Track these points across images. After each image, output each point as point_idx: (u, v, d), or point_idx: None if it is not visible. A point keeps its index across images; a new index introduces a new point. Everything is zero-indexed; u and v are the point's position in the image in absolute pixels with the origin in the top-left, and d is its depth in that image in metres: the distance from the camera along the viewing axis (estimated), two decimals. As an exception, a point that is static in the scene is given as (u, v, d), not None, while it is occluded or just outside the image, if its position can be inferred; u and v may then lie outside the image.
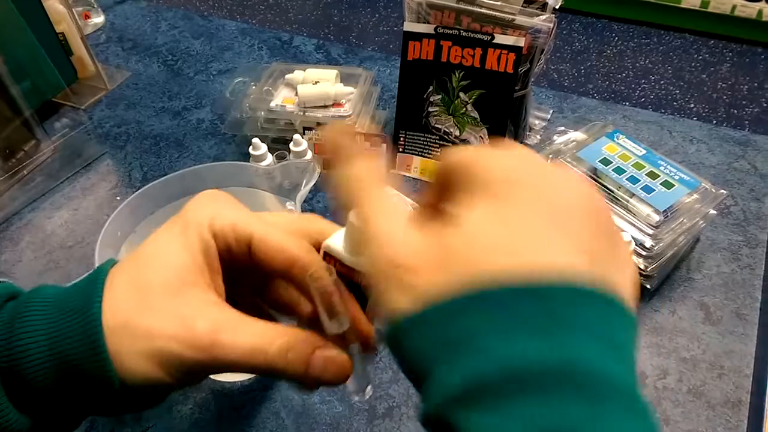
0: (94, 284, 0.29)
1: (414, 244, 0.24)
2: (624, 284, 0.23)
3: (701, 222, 0.64)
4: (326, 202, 0.75)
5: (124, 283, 0.29)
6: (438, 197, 0.27)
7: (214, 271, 0.31)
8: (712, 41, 2.42)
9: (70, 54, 0.91)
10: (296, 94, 0.80)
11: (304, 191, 0.58)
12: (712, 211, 0.65)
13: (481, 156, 0.25)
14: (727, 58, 2.34)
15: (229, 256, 0.32)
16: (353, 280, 0.31)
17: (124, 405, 0.29)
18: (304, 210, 0.69)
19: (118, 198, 0.78)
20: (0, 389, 0.28)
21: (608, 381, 0.20)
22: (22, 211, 0.77)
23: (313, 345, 0.29)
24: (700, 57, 2.35)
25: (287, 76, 0.84)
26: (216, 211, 0.31)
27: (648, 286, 0.64)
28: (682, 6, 2.37)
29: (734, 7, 2.29)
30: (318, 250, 0.33)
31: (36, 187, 0.80)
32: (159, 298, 0.29)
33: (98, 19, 1.08)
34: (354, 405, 0.57)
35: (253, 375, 0.59)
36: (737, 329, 0.62)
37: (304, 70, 0.83)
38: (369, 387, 0.31)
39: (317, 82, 0.80)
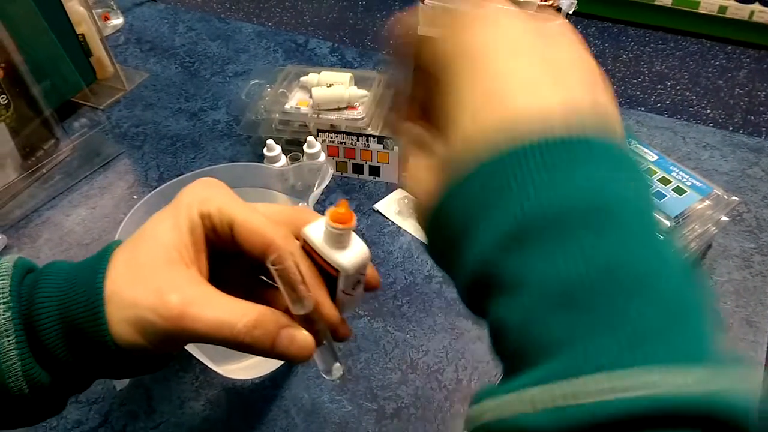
0: (100, 259, 0.33)
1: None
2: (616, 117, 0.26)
3: (713, 228, 0.64)
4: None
5: (123, 258, 0.33)
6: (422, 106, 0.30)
7: (199, 250, 0.34)
8: (730, 47, 2.40)
9: (89, 55, 0.92)
10: (311, 97, 0.81)
11: (316, 192, 0.59)
12: (724, 218, 0.65)
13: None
14: (745, 64, 2.32)
15: (215, 237, 0.34)
16: (325, 268, 0.33)
17: (124, 367, 0.33)
18: (316, 211, 0.70)
19: (135, 197, 0.79)
20: (26, 347, 0.31)
21: (640, 214, 0.23)
22: (40, 209, 0.78)
23: (279, 324, 0.32)
24: (717, 63, 2.34)
25: (302, 79, 0.85)
26: (206, 195, 0.34)
27: (658, 292, 0.64)
28: (700, 11, 2.35)
29: (752, 13, 2.27)
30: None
31: (54, 186, 0.81)
32: (145, 271, 0.32)
33: (117, 21, 1.10)
34: (363, 405, 0.57)
35: (265, 373, 0.59)
36: (747, 336, 0.61)
37: (319, 73, 0.84)
38: (337, 366, 0.34)
39: (331, 85, 0.81)
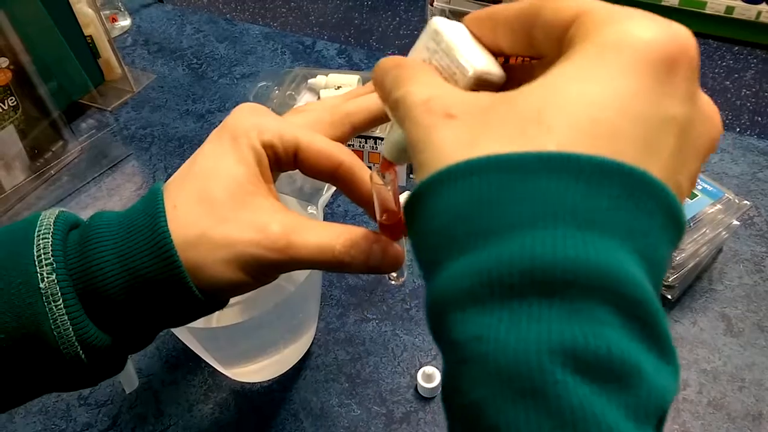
0: (154, 202, 0.31)
1: (467, 96, 0.22)
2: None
3: (724, 233, 0.64)
4: (347, 206, 0.75)
5: (188, 198, 0.31)
6: (525, 47, 0.24)
7: (268, 179, 0.33)
8: (737, 47, 2.39)
9: (97, 56, 0.92)
10: (318, 99, 0.80)
11: (326, 196, 0.59)
12: (735, 222, 0.64)
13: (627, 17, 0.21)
14: (752, 65, 2.31)
15: (277, 164, 0.34)
16: None
17: (196, 312, 0.32)
18: (325, 216, 0.69)
19: (142, 199, 0.79)
20: (81, 310, 0.29)
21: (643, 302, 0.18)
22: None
23: (369, 239, 0.32)
24: (724, 63, 2.33)
25: (310, 81, 0.84)
26: (260, 122, 0.33)
27: (669, 297, 0.63)
28: (706, 12, 2.34)
29: (759, 14, 2.26)
30: None
31: (62, 187, 0.81)
32: (228, 209, 0.31)
33: (125, 23, 1.10)
34: (371, 409, 0.57)
35: (273, 376, 0.59)
36: (759, 341, 0.61)
37: (327, 75, 0.84)
38: (405, 271, 0.35)
39: (339, 87, 0.81)
